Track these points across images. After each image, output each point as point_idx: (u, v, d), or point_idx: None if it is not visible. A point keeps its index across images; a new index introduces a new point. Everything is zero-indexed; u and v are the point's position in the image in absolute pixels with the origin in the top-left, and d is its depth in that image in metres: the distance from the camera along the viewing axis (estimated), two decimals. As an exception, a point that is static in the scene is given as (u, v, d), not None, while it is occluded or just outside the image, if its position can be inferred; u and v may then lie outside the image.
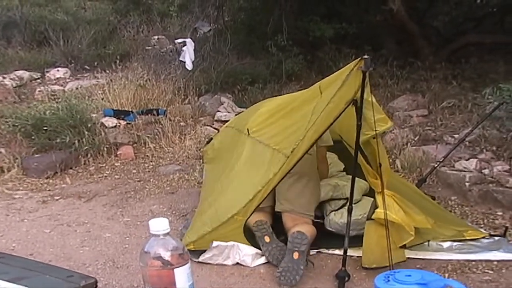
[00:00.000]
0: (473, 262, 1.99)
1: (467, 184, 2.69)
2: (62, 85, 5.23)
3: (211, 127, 4.23)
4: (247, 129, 2.42)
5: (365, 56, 1.79)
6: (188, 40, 4.97)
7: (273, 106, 2.47)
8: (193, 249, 2.07)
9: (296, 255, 1.91)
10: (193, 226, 2.22)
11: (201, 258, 2.06)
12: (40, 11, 6.32)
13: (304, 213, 2.19)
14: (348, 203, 2.26)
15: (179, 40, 5.25)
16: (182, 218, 2.64)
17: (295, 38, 5.06)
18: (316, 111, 2.06)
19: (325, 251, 2.16)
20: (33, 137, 3.66)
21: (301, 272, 1.90)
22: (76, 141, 3.64)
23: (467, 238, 2.14)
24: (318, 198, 2.32)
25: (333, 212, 2.30)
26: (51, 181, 3.42)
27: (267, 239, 2.03)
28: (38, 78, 5.43)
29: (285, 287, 1.88)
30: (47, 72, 5.56)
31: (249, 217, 2.07)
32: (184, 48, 4.92)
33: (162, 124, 4.18)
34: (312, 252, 2.11)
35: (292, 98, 2.48)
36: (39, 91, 4.90)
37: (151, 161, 3.78)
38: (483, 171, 2.76)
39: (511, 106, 2.79)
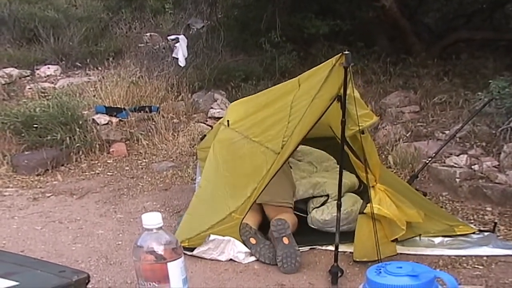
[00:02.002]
0: (464, 258, 2.02)
1: (457, 180, 2.72)
2: (52, 83, 5.17)
3: (205, 123, 4.22)
4: (227, 121, 2.43)
5: (346, 52, 1.80)
6: (181, 37, 4.95)
7: (251, 98, 2.49)
8: (187, 246, 2.07)
9: (286, 240, 1.94)
10: (188, 223, 2.21)
11: (195, 252, 2.06)
12: (29, 8, 6.23)
13: (283, 202, 2.22)
14: (329, 199, 2.33)
15: (172, 37, 5.21)
16: (176, 215, 2.63)
17: (288, 35, 5.06)
18: (295, 104, 2.07)
19: (319, 247, 2.17)
20: (23, 135, 3.63)
21: (299, 253, 1.93)
22: (68, 138, 3.61)
23: (458, 233, 2.18)
24: (294, 185, 2.34)
25: (315, 209, 2.33)
26: (42, 178, 3.39)
27: (253, 241, 2.04)
28: (28, 76, 5.37)
29: (291, 273, 1.90)
30: (37, 69, 5.49)
31: (245, 216, 2.07)
32: (177, 45, 4.89)
33: (155, 121, 4.16)
34: (306, 248, 2.12)
35: (270, 91, 2.49)
36: (29, 88, 4.85)
37: (144, 158, 3.77)
38: (473, 167, 2.79)
39: (500, 102, 2.83)
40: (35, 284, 0.81)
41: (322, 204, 2.33)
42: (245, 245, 2.06)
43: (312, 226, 2.30)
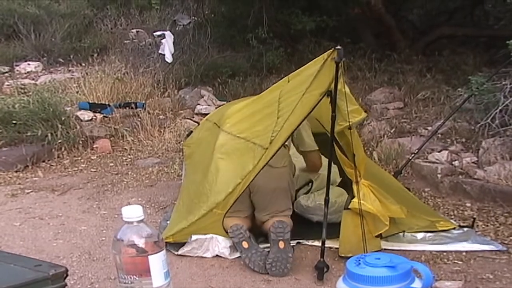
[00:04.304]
0: (444, 253, 2.06)
1: (439, 175, 2.76)
2: (33, 79, 5.08)
3: (191, 120, 4.20)
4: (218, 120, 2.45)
5: (338, 47, 1.80)
6: (167, 33, 4.89)
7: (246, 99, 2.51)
8: (172, 241, 2.06)
9: (281, 245, 1.92)
10: (172, 220, 2.20)
11: (180, 251, 2.05)
12: (8, 4, 6.10)
13: (282, 213, 2.15)
14: (313, 185, 2.37)
15: (158, 33, 5.16)
16: (162, 211, 2.61)
17: (275, 31, 5.07)
18: (284, 99, 2.07)
19: (305, 242, 2.18)
20: (0, 131, 3.55)
21: (291, 259, 1.91)
22: (49, 134, 3.54)
23: (439, 228, 2.22)
24: (293, 191, 2.32)
25: (303, 195, 2.37)
26: (21, 174, 3.31)
27: (245, 245, 1.97)
28: (7, 72, 5.27)
29: (277, 276, 1.90)
30: (16, 65, 5.38)
31: (227, 211, 2.05)
32: (163, 41, 4.84)
33: (140, 117, 4.12)
34: (292, 243, 2.11)
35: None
36: (7, 84, 4.75)
37: (129, 154, 3.72)
38: (453, 163, 2.84)
39: (479, 98, 2.88)
40: (9, 278, 0.78)
41: (308, 192, 2.38)
42: (236, 248, 2.02)
43: (296, 211, 2.31)
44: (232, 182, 2.07)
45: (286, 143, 2.23)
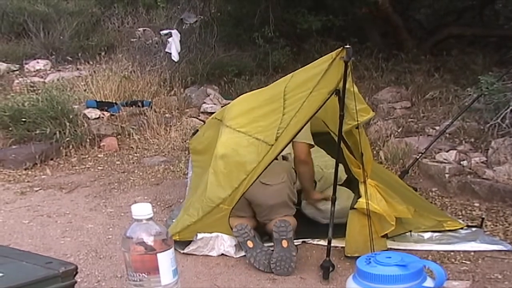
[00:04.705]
0: (452, 253, 2.04)
1: (446, 175, 2.74)
2: (42, 77, 5.12)
3: (197, 118, 4.21)
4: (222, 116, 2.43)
5: (347, 46, 1.79)
6: (174, 31, 4.90)
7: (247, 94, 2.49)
8: (178, 239, 2.06)
9: (285, 243, 1.92)
10: (180, 218, 2.20)
11: (186, 250, 2.06)
12: (18, 3, 6.18)
13: (285, 215, 2.14)
14: (316, 186, 2.34)
15: (165, 32, 5.17)
16: (168, 209, 2.62)
17: (281, 30, 5.06)
18: (290, 96, 2.05)
19: (310, 241, 2.17)
20: (10, 129, 3.60)
21: (295, 258, 1.91)
22: (57, 133, 3.57)
23: (447, 228, 2.20)
24: (295, 198, 2.27)
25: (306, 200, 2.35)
26: (30, 172, 3.35)
27: (250, 244, 1.97)
28: (17, 70, 5.32)
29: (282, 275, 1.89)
30: (26, 64, 5.44)
31: (234, 206, 2.05)
32: (169, 40, 4.85)
33: (147, 116, 4.14)
34: (297, 242, 2.12)
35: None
36: (17, 82, 4.79)
37: (136, 153, 3.75)
38: (462, 162, 2.82)
39: (489, 97, 2.86)
40: (20, 275, 0.79)
41: None
42: (241, 247, 2.03)
43: (304, 212, 2.31)
44: (237, 178, 2.05)
45: (288, 153, 2.22)
